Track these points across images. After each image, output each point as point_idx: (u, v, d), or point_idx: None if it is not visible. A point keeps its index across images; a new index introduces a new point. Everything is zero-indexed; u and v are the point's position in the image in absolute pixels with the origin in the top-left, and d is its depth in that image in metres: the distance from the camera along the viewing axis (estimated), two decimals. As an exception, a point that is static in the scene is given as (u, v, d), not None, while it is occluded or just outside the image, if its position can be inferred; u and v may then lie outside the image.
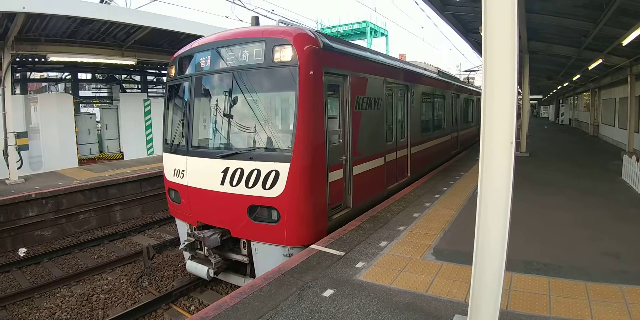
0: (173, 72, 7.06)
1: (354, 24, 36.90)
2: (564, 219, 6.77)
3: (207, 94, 6.63)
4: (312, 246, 5.57)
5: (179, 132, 6.89)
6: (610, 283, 4.25)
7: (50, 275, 8.19)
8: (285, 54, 5.54)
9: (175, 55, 7.08)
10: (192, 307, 6.70)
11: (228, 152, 5.98)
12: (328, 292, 4.19)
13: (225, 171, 5.91)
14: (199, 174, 6.35)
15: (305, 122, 5.50)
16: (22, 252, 9.53)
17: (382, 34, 38.76)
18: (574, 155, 15.58)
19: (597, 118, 23.64)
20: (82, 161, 16.24)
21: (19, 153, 12.24)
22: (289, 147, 5.50)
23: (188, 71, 6.76)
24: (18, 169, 12.24)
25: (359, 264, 4.93)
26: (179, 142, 6.82)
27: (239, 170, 5.79)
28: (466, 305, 3.26)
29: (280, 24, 7.00)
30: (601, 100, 22.73)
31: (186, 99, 6.78)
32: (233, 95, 6.15)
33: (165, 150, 7.16)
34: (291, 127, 5.56)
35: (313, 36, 5.82)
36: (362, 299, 4.05)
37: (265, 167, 5.58)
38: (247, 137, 6.09)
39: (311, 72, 5.54)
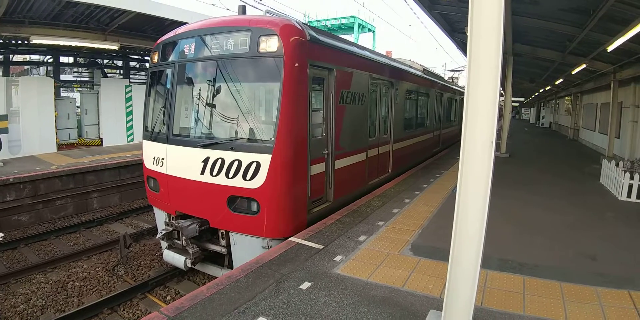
0: (156, 58, 6.91)
1: (341, 19, 36.73)
2: (541, 219, 6.88)
3: (189, 81, 6.50)
4: (291, 239, 5.56)
5: (160, 119, 6.76)
6: (585, 284, 4.30)
7: (27, 261, 8.02)
8: (270, 44, 5.46)
9: (159, 41, 6.92)
10: (169, 297, 6.63)
11: (209, 142, 5.89)
12: (305, 285, 4.19)
13: (206, 161, 5.84)
14: (179, 162, 6.25)
15: (289, 114, 5.46)
16: (-2, 236, 9.31)
17: (369, 30, 38.66)
18: (554, 157, 15.88)
19: (578, 122, 24.06)
20: (60, 146, 15.88)
21: (-2, 136, 11.94)
22: (271, 138, 5.45)
23: (171, 58, 6.62)
24: (-3, 152, 11.93)
25: (337, 258, 4.94)
26: (160, 130, 6.69)
27: (219, 160, 5.72)
28: (441, 301, 3.30)
29: (267, 15, 6.90)
30: (583, 105, 23.14)
31: (168, 86, 6.64)
32: (216, 84, 6.05)
33: (145, 138, 7.03)
34: (274, 119, 5.50)
35: (300, 28, 5.76)
36: (339, 292, 4.05)
37: (246, 158, 5.53)
38: (229, 127, 6.01)
39: (296, 64, 5.49)
